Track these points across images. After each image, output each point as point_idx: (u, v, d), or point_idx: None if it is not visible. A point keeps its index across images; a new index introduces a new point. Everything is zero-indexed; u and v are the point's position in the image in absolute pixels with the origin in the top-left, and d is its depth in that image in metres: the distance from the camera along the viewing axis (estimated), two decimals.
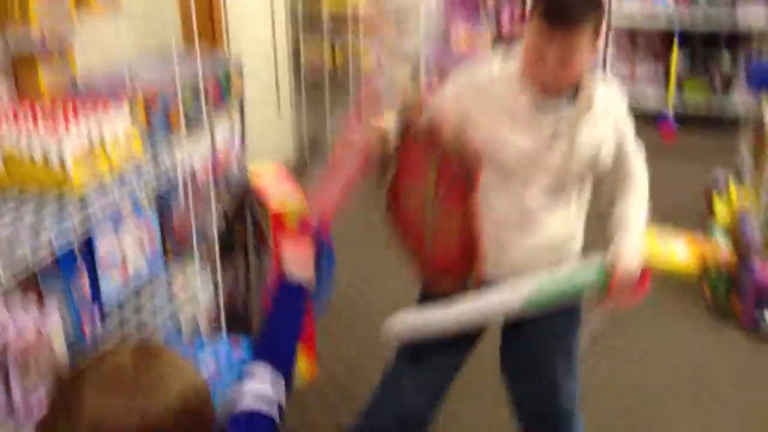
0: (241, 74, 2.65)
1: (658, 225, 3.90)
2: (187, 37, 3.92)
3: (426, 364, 1.82)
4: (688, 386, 2.74)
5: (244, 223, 2.86)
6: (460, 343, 1.82)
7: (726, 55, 5.24)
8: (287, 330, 1.32)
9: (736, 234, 3.25)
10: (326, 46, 4.66)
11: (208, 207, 2.25)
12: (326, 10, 4.60)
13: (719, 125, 5.41)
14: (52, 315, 1.60)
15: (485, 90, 1.70)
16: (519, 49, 1.65)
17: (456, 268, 1.70)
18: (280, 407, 1.22)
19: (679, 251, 3.54)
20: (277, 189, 2.70)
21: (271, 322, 1.33)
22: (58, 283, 1.76)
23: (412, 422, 1.86)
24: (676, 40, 5.19)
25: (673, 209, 4.09)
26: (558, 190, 1.72)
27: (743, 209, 3.26)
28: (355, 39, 4.62)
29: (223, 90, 2.51)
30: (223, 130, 2.59)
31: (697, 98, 5.34)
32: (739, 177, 3.64)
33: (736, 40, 5.27)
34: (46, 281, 1.75)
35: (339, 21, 4.77)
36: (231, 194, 2.73)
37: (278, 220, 2.58)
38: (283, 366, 1.26)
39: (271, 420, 1.21)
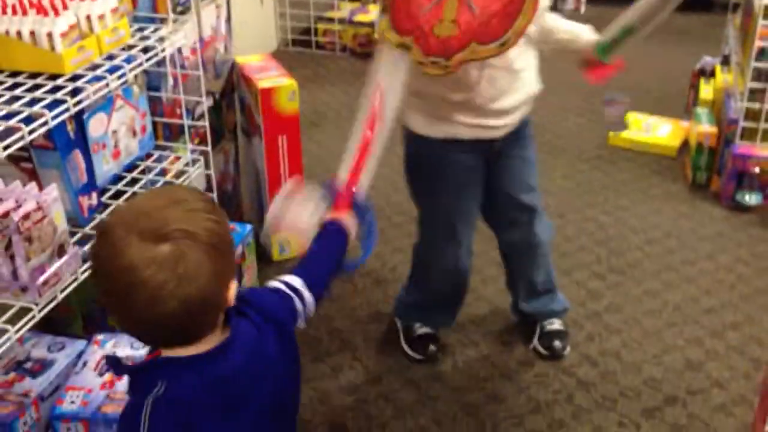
0: None
1: (645, 108, 3.97)
2: None
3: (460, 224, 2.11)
4: (663, 254, 2.86)
5: (232, 106, 2.87)
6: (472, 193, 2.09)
7: None
8: (327, 262, 1.41)
9: (719, 115, 3.30)
10: None
11: (197, 89, 2.25)
12: None
13: (708, 7, 5.37)
14: (51, 190, 1.63)
15: None
16: None
17: (491, 27, 1.61)
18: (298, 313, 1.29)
19: (662, 132, 3.60)
20: (266, 73, 2.70)
21: (313, 253, 1.41)
22: (53, 161, 1.78)
23: (463, 276, 2.24)
24: None
25: (661, 93, 4.14)
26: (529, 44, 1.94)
27: (727, 90, 3.29)
28: None
29: None
30: (210, 16, 2.56)
31: None
32: (725, 61, 3.65)
33: None
34: (42, 160, 1.78)
35: None
36: (219, 79, 2.73)
37: (267, 96, 2.59)
38: (315, 290, 1.32)
39: (290, 302, 1.27)
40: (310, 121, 3.88)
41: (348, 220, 1.48)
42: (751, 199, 3.04)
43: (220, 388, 1.08)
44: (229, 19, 2.75)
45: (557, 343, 2.34)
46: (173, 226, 0.99)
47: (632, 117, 3.75)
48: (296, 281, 1.30)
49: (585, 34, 2.08)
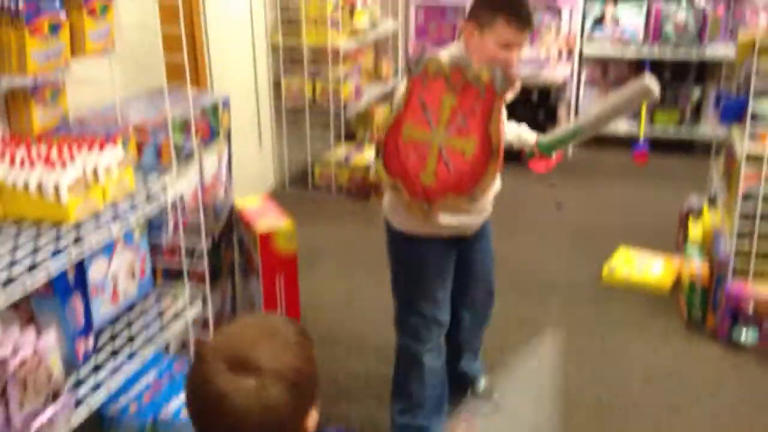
0: (228, 109, 2.73)
1: (636, 246, 4.04)
2: (172, 76, 4.01)
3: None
4: (663, 394, 2.82)
5: (231, 247, 2.92)
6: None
7: (695, 88, 5.40)
8: None
9: (710, 253, 3.35)
10: (306, 78, 4.74)
11: (197, 233, 2.30)
12: (306, 43, 4.69)
13: (690, 150, 5.57)
14: (48, 336, 1.64)
15: None
16: (461, 46, 2.21)
17: (463, 184, 1.99)
18: None
19: (655, 269, 3.64)
20: (264, 215, 2.77)
21: None
22: (52, 307, 1.80)
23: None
24: (646, 71, 5.34)
25: (650, 231, 4.22)
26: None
27: (717, 229, 3.36)
28: (334, 70, 4.72)
29: (212, 124, 2.58)
30: (212, 161, 2.66)
31: (667, 125, 5.49)
32: (712, 201, 3.75)
33: (703, 71, 5.45)
34: (40, 305, 1.79)
35: (319, 53, 4.88)
36: (218, 221, 2.79)
37: (265, 241, 2.65)
38: None
39: None
40: (306, 259, 3.93)
41: None
42: (747, 337, 3.04)
43: None
44: (230, 165, 2.85)
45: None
46: (262, 363, 1.08)
47: (625, 253, 3.81)
48: None
49: (530, 136, 2.46)
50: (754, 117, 2.96)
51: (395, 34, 5.60)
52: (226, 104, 2.72)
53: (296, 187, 4.96)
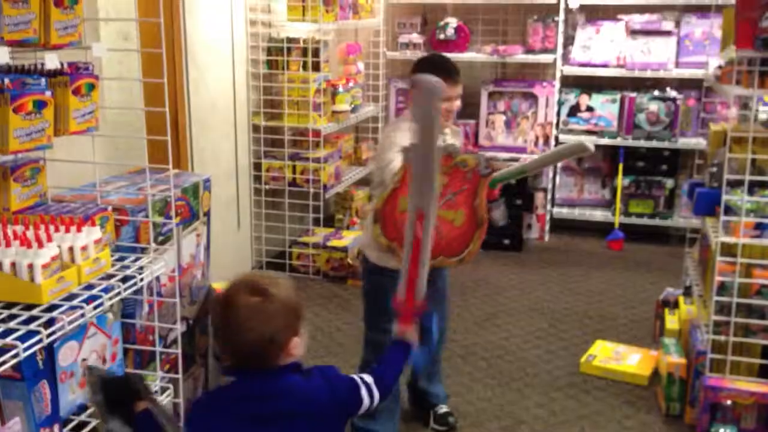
0: (209, 190, 2.72)
1: (613, 335, 4.04)
2: (154, 156, 4.02)
3: None
4: None
5: (205, 332, 2.86)
6: None
7: (668, 179, 5.51)
8: (393, 370, 1.85)
9: (687, 345, 3.35)
10: (287, 159, 4.78)
11: (172, 315, 2.26)
12: (287, 124, 4.75)
13: (664, 239, 5.64)
14: (13, 424, 1.57)
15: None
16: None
17: (453, 248, 2.36)
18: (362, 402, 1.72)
19: (632, 360, 3.62)
20: None
21: (384, 361, 1.87)
22: (18, 392, 1.73)
23: None
24: (621, 165, 5.46)
25: (627, 320, 4.22)
26: None
27: (693, 321, 3.37)
28: (314, 152, 4.76)
29: (191, 205, 2.57)
30: (190, 242, 2.63)
31: (642, 215, 5.57)
32: (687, 292, 3.77)
33: (676, 161, 5.57)
34: (7, 390, 1.73)
35: (299, 135, 4.93)
36: (194, 304, 2.75)
37: None
38: (381, 390, 1.76)
39: (357, 388, 1.72)
40: None
41: (411, 334, 1.86)
42: None
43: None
44: (208, 246, 2.82)
45: (451, 419, 3.12)
46: (268, 290, 1.61)
47: (602, 345, 3.79)
48: (368, 378, 1.75)
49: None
50: (727, 209, 3.00)
51: (375, 117, 5.70)
52: (207, 185, 2.72)
53: (274, 270, 4.92)
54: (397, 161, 2.50)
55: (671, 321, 3.57)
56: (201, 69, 4.17)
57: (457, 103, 2.78)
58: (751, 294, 2.99)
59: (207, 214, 2.74)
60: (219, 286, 2.83)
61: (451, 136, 2.87)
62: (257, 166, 4.84)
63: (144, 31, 3.89)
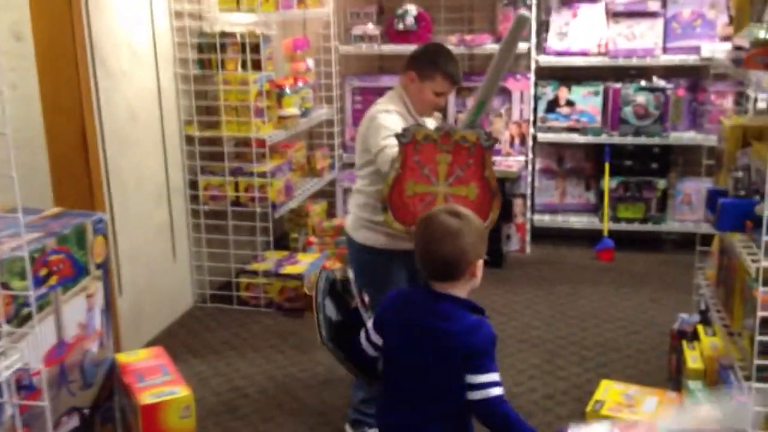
0: (103, 233, 2.05)
1: (620, 373, 3.45)
2: (61, 198, 3.32)
3: None
4: None
5: (111, 421, 2.18)
6: None
7: (660, 181, 4.94)
8: None
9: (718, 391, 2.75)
10: (228, 175, 4.09)
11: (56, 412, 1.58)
12: (226, 134, 4.06)
13: (657, 245, 5.09)
14: None
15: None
16: (398, 91, 2.85)
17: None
18: None
19: (647, 407, 3.03)
20: (152, 376, 2.06)
21: None
22: None
23: None
24: (607, 165, 4.87)
25: (633, 351, 3.62)
26: None
27: (722, 361, 2.77)
28: (259, 165, 4.09)
29: (75, 257, 1.90)
30: (77, 307, 1.96)
31: (632, 220, 5.00)
32: (705, 318, 3.18)
33: (667, 159, 5.01)
34: None
35: (241, 145, 4.25)
36: (89, 387, 2.07)
37: (150, 417, 1.93)
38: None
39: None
40: (226, 406, 3.19)
41: None
42: None
43: None
44: (107, 307, 2.14)
45: None
46: (463, 215, 1.89)
47: (609, 387, 3.18)
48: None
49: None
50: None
51: (330, 121, 5.03)
52: (100, 227, 2.05)
53: (220, 302, 4.24)
54: (391, 146, 2.48)
55: (693, 358, 2.96)
56: (114, 74, 3.47)
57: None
58: None
59: (102, 265, 2.06)
60: (127, 358, 2.16)
61: (433, 123, 2.88)
62: (193, 185, 4.15)
63: (39, 28, 3.20)
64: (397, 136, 2.42)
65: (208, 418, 3.08)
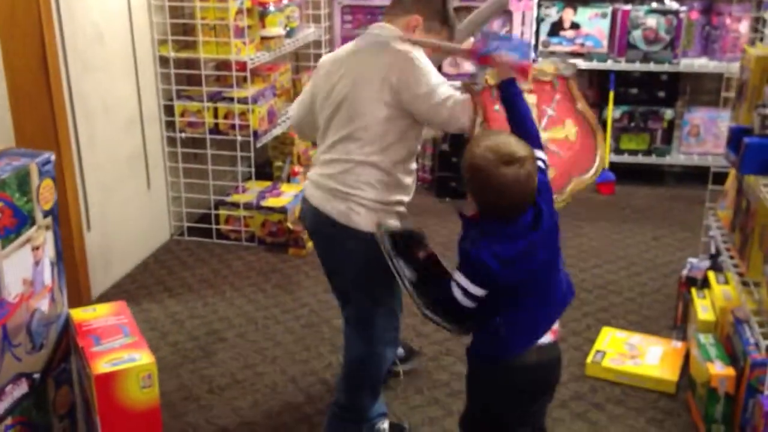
0: (50, 175, 1.78)
1: (621, 320, 3.26)
2: (21, 125, 3.02)
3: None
4: None
5: (67, 382, 1.97)
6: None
7: (667, 111, 4.66)
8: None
9: (728, 344, 2.57)
10: (206, 100, 3.78)
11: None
12: (204, 56, 3.73)
13: (659, 178, 4.86)
14: None
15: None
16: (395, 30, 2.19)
17: (582, 162, 2.17)
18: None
19: (651, 358, 2.85)
20: (110, 339, 1.83)
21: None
22: None
23: None
24: (611, 93, 4.58)
25: (635, 294, 3.42)
26: None
27: (736, 313, 2.57)
28: (240, 90, 3.78)
29: (17, 205, 1.63)
30: (22, 262, 1.71)
31: (636, 152, 4.74)
32: (715, 264, 2.98)
33: (675, 87, 4.72)
34: None
35: (221, 70, 3.93)
36: (38, 349, 1.84)
37: (106, 387, 1.71)
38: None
39: None
40: (203, 351, 2.99)
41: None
42: None
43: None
44: (59, 258, 1.89)
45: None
46: (519, 154, 1.73)
47: (610, 335, 3.00)
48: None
49: None
50: None
51: (318, 42, 4.69)
52: (47, 168, 1.78)
53: (198, 236, 4.00)
54: (459, 97, 2.03)
55: (703, 309, 2.77)
56: None
57: None
58: None
59: (51, 211, 1.80)
60: (82, 315, 1.93)
61: None
62: (169, 110, 3.85)
63: None
64: (465, 84, 2.07)
65: (183, 364, 2.88)
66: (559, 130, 2.08)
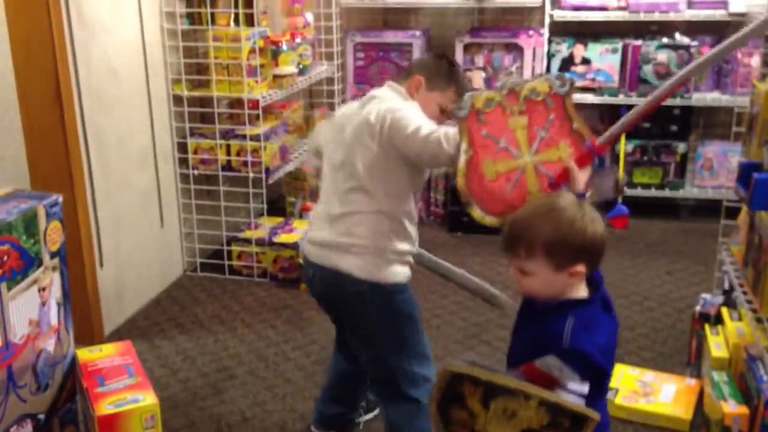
0: (57, 217, 1.80)
1: (634, 357, 3.23)
2: (35, 161, 3.07)
3: None
4: None
5: (73, 423, 1.97)
6: None
7: (680, 145, 4.65)
8: None
9: (744, 382, 2.53)
10: (219, 138, 3.83)
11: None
12: (217, 94, 3.78)
13: (673, 213, 4.83)
14: None
15: None
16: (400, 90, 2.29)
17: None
18: None
19: (665, 396, 2.81)
20: (115, 380, 1.84)
21: None
22: None
23: None
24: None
25: (648, 330, 3.38)
26: None
27: (750, 350, 2.54)
28: (252, 128, 3.83)
29: (24, 247, 1.66)
30: (29, 303, 1.73)
31: (649, 186, 4.72)
32: (729, 299, 2.94)
33: (688, 122, 4.71)
34: None
35: (234, 106, 3.98)
36: (43, 390, 1.85)
37: (108, 426, 1.71)
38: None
39: None
40: (212, 388, 2.98)
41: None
42: None
43: None
44: (67, 298, 1.91)
45: None
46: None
47: (623, 372, 2.96)
48: None
49: None
50: None
51: (331, 78, 4.74)
52: (55, 210, 1.80)
53: (210, 272, 4.02)
54: (441, 129, 2.04)
55: (717, 345, 2.73)
56: (91, 25, 3.19)
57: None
58: None
59: (59, 252, 1.82)
60: (88, 355, 1.94)
61: None
62: (182, 148, 3.90)
63: None
64: (452, 111, 2.02)
65: (193, 402, 2.88)
66: (553, 152, 1.94)
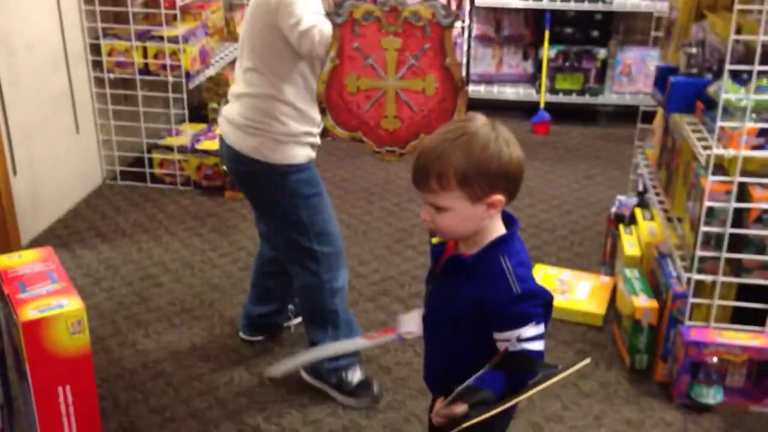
0: None
1: (552, 256, 3.34)
2: None
3: None
4: None
5: None
6: None
7: (600, 51, 4.71)
8: None
9: (652, 278, 2.67)
10: (135, 40, 3.66)
11: None
12: None
13: (592, 118, 4.94)
14: None
15: None
16: None
17: (433, 122, 1.93)
18: None
19: (581, 293, 2.95)
20: (38, 286, 1.80)
21: None
22: None
23: None
24: (547, 33, 4.60)
25: (567, 232, 3.51)
26: None
27: (661, 248, 2.67)
28: (170, 29, 3.67)
29: None
30: None
31: (570, 92, 4.80)
32: (642, 200, 3.07)
33: (608, 27, 4.76)
34: None
35: (150, 5, 3.80)
36: None
37: (33, 331, 1.69)
38: None
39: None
40: (138, 297, 2.96)
41: None
42: (710, 396, 2.38)
43: None
44: None
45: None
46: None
47: (542, 271, 3.08)
48: None
49: None
50: (725, 109, 2.23)
51: None
52: None
53: (131, 180, 3.92)
54: (321, 26, 1.98)
55: (630, 244, 2.86)
56: None
57: None
58: (748, 222, 2.29)
59: None
60: (7, 262, 1.89)
61: None
62: (95, 50, 3.72)
63: None
64: (329, 14, 1.92)
65: (119, 311, 2.86)
66: (418, 83, 1.91)
